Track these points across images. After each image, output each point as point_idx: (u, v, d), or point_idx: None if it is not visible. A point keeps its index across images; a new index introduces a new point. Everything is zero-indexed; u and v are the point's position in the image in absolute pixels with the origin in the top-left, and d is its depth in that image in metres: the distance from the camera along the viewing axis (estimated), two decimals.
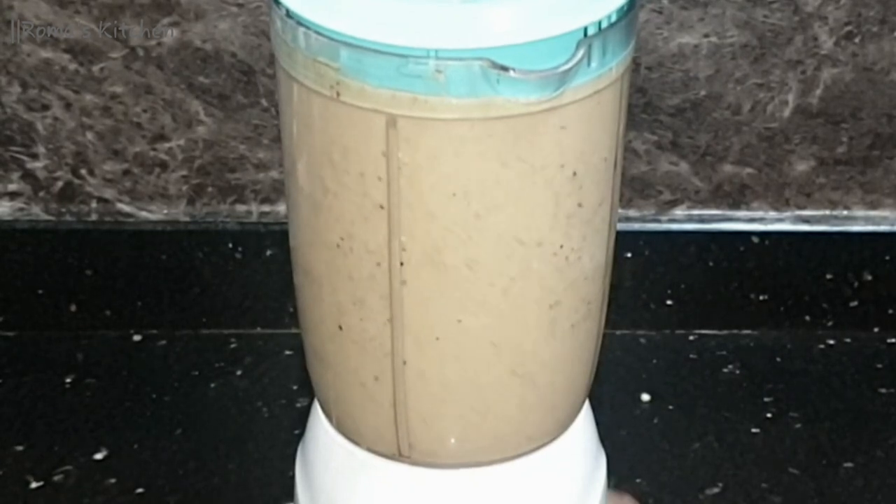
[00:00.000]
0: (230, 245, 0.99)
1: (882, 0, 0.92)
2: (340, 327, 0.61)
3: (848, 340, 1.02)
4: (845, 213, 1.00)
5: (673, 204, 1.00)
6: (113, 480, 0.90)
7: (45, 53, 0.93)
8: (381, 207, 0.57)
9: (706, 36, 0.93)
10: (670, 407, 0.96)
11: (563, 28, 0.53)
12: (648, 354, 1.01)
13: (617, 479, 0.81)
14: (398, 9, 0.53)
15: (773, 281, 1.01)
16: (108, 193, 0.98)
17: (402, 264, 0.58)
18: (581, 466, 0.69)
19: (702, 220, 1.00)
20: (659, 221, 1.00)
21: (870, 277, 1.01)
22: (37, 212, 0.99)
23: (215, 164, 0.98)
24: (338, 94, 0.55)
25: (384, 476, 0.65)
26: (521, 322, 0.60)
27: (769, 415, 0.95)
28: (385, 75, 0.53)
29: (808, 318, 1.02)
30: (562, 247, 0.59)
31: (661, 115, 0.96)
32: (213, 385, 0.98)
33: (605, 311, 0.66)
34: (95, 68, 0.94)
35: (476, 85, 0.53)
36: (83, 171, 0.98)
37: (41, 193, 0.99)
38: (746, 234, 1.00)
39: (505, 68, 0.52)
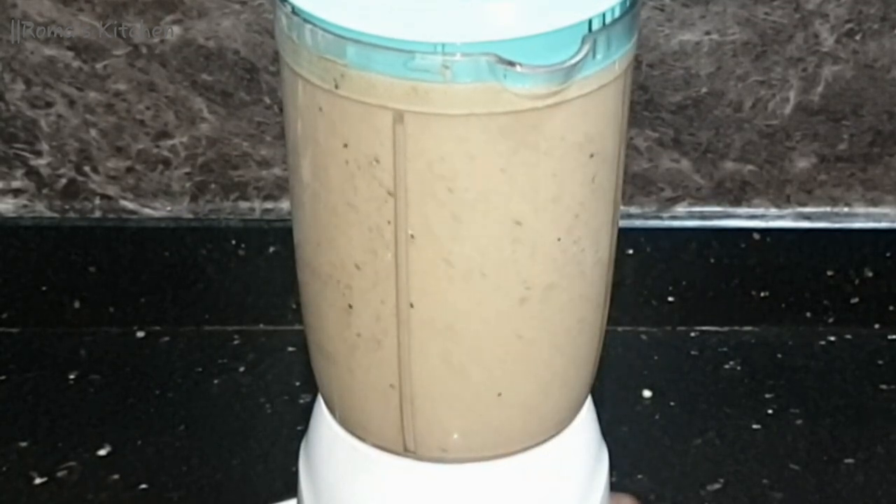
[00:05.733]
0: (233, 242, 0.99)
1: None
2: (345, 323, 0.62)
3: (849, 337, 1.02)
4: (846, 209, 1.00)
5: (674, 201, 1.00)
6: (116, 476, 0.90)
7: (49, 51, 0.94)
8: (386, 204, 0.57)
9: (707, 33, 0.94)
10: (672, 403, 0.96)
11: (568, 21, 0.54)
12: (650, 351, 1.01)
13: (618, 475, 0.82)
14: (404, 4, 0.53)
15: (774, 278, 1.01)
16: (112, 190, 0.99)
17: (407, 259, 0.58)
18: (584, 462, 0.69)
19: (703, 216, 1.00)
20: (660, 218, 1.00)
21: (871, 274, 1.01)
22: (40, 209, 0.99)
23: (218, 162, 0.98)
24: (343, 89, 0.55)
25: (388, 471, 0.65)
26: (526, 317, 0.60)
27: (770, 411, 0.96)
28: (391, 71, 0.54)
29: (809, 314, 1.02)
30: (565, 242, 0.59)
31: (662, 113, 0.96)
32: (216, 381, 0.98)
33: (607, 307, 0.66)
34: (99, 66, 0.94)
35: (483, 80, 0.53)
36: (87, 169, 0.98)
37: (45, 190, 0.99)
38: (747, 231, 1.00)
39: (511, 63, 0.53)
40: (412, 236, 0.57)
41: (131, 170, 0.98)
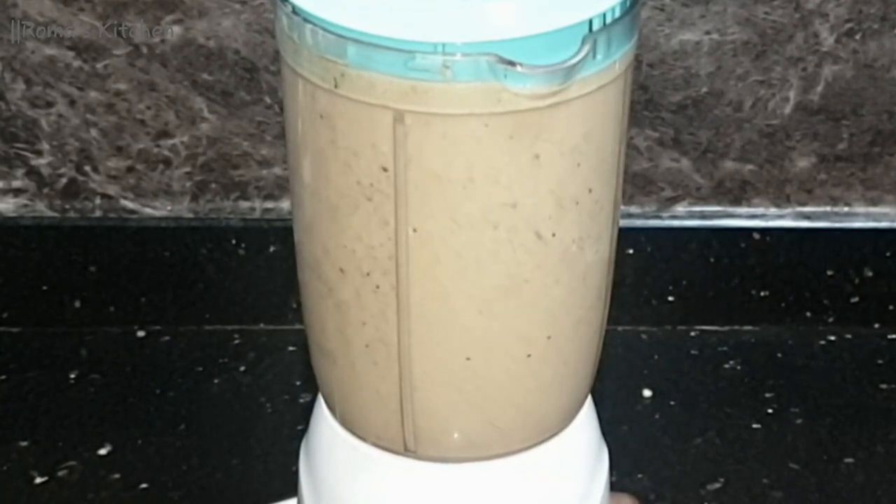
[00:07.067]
0: (233, 241, 1.00)
1: None
2: (345, 322, 0.62)
3: (849, 336, 1.02)
4: (846, 209, 1.00)
5: (674, 200, 1.00)
6: (117, 476, 0.90)
7: (49, 51, 0.94)
8: (387, 203, 0.57)
9: (707, 33, 0.94)
10: (672, 403, 0.96)
11: (569, 21, 0.54)
12: (650, 350, 1.01)
13: (618, 474, 0.82)
14: (405, 4, 0.53)
15: (774, 277, 1.01)
16: (112, 190, 0.99)
17: (408, 258, 0.58)
18: (584, 461, 0.69)
19: (703, 216, 1.00)
20: (660, 218, 1.00)
21: (870, 274, 1.01)
22: (41, 208, 0.99)
23: (219, 161, 0.98)
24: (343, 89, 0.55)
25: (388, 470, 0.65)
26: (526, 317, 0.60)
27: (770, 410, 0.96)
28: (392, 70, 0.54)
29: (809, 314, 1.03)
30: (566, 242, 0.59)
31: (662, 112, 0.96)
32: (216, 381, 0.98)
33: (607, 306, 0.66)
34: (99, 65, 0.94)
35: (483, 80, 0.53)
36: (87, 168, 0.98)
37: (45, 190, 0.99)
38: (747, 231, 1.00)
39: (512, 63, 0.53)
40: (412, 234, 0.58)
41: (132, 169, 0.98)
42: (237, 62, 0.94)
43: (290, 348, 1.00)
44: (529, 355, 0.62)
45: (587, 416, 0.69)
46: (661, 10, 0.93)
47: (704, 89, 0.96)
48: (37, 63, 0.94)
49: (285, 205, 0.99)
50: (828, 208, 1.00)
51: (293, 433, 0.91)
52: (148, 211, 0.99)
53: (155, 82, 0.95)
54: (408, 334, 0.60)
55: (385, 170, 0.56)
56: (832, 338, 1.02)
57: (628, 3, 0.57)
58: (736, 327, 1.03)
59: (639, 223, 1.00)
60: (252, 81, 0.95)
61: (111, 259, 1.00)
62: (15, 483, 0.89)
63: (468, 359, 0.61)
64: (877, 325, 1.03)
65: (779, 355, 1.01)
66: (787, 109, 0.96)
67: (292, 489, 0.73)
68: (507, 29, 0.53)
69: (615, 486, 0.76)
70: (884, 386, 0.98)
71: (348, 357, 0.63)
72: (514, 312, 0.60)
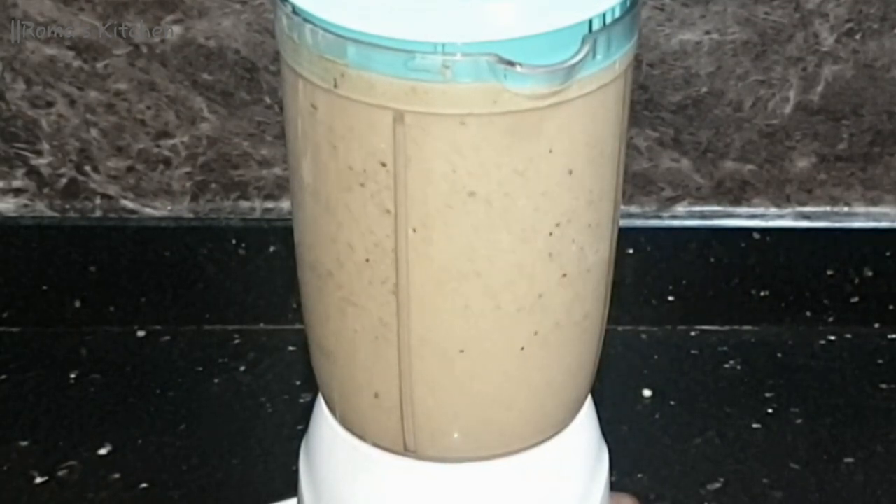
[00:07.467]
0: (233, 241, 1.00)
1: None
2: (345, 322, 0.62)
3: (849, 336, 1.02)
4: (846, 209, 1.00)
5: (674, 200, 1.00)
6: (117, 475, 0.90)
7: (50, 51, 0.94)
8: (387, 202, 0.57)
9: (708, 33, 0.94)
10: (672, 402, 0.96)
11: (569, 21, 0.54)
12: (650, 350, 1.01)
13: (618, 474, 0.82)
14: (404, 4, 0.53)
15: (774, 277, 1.01)
16: (112, 190, 0.99)
17: (408, 258, 0.58)
18: (584, 461, 0.69)
19: (703, 216, 1.00)
20: (660, 218, 1.00)
21: (870, 273, 1.01)
22: (41, 208, 0.99)
23: (219, 161, 0.98)
24: (343, 89, 0.55)
25: (388, 471, 0.65)
26: (526, 316, 0.60)
27: (770, 410, 0.96)
28: (392, 71, 0.54)
29: (809, 313, 1.03)
30: (565, 241, 0.59)
31: (662, 112, 0.96)
32: (216, 381, 0.98)
33: (607, 306, 0.66)
34: (99, 65, 0.94)
35: (483, 80, 0.53)
36: (87, 168, 0.98)
37: (45, 190, 0.99)
38: (748, 231, 1.00)
39: (511, 63, 0.53)
40: (412, 234, 0.58)
41: (132, 169, 0.98)
42: (237, 62, 0.94)
43: (290, 348, 1.00)
44: (529, 356, 0.62)
45: (587, 416, 0.69)
46: (661, 10, 0.93)
47: (704, 89, 0.96)
48: (37, 63, 0.94)
49: (285, 205, 0.99)
50: (828, 208, 1.00)
51: (293, 433, 0.91)
52: (148, 211, 1.00)
53: (155, 82, 0.95)
54: (408, 333, 0.60)
55: (384, 165, 0.56)
56: (832, 337, 1.02)
57: (628, 3, 0.57)
58: (736, 327, 1.03)
59: (639, 223, 1.00)
60: (252, 81, 0.95)
61: (111, 259, 1.00)
62: (15, 483, 0.89)
63: (468, 359, 0.61)
64: (877, 325, 1.03)
65: (779, 355, 1.01)
66: (787, 109, 0.96)
67: (292, 489, 0.73)
68: (507, 29, 0.53)
69: (615, 486, 0.76)
70: (884, 386, 0.98)
71: (348, 356, 0.63)
72: (513, 312, 0.60)
